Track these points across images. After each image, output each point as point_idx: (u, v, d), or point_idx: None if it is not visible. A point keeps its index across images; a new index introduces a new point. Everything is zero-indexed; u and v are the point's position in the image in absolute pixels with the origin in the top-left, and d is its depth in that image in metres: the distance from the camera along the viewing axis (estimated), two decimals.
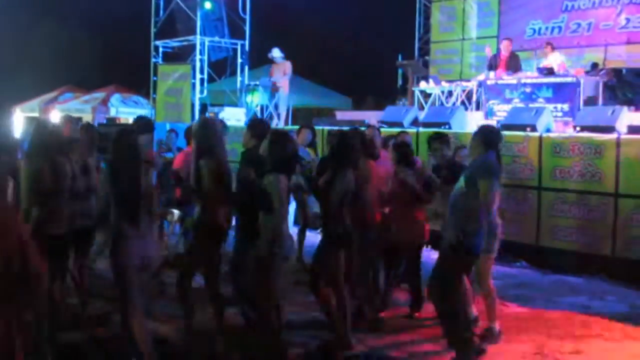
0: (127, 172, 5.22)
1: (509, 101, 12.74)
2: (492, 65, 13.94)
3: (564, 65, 12.95)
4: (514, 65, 13.71)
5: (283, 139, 5.64)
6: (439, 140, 7.37)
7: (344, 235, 5.85)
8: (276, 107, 15.53)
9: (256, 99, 15.86)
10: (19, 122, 17.87)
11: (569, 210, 9.27)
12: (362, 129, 8.40)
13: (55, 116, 21.36)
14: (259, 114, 15.73)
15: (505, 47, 14.00)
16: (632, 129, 9.29)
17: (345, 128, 8.33)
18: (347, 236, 5.88)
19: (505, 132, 10.07)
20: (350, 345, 5.92)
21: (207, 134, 5.77)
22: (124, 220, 5.17)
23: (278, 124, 15.24)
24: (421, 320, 6.98)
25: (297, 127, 10.27)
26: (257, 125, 6.57)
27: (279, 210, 5.37)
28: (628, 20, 14.71)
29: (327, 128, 12.09)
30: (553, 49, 13.60)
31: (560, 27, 15.91)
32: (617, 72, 13.56)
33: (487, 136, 5.80)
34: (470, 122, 12.08)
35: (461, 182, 5.71)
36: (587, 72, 13.01)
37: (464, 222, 5.51)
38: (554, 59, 13.11)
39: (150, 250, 5.34)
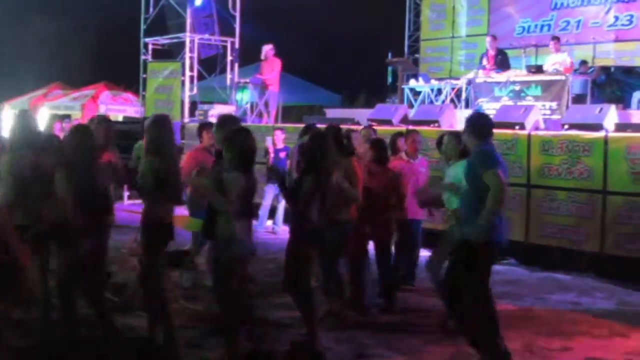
0: (81, 168, 5.49)
1: (498, 99, 12.78)
2: (482, 64, 13.97)
3: (569, 65, 12.80)
4: (500, 62, 13.69)
5: (239, 135, 5.53)
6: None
7: (312, 233, 5.81)
8: (266, 104, 15.53)
9: (246, 97, 15.87)
10: (7, 118, 17.75)
11: (558, 207, 9.32)
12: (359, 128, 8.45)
13: (44, 113, 21.33)
14: (248, 112, 15.75)
15: (489, 44, 14.00)
16: (620, 127, 9.35)
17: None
18: (315, 234, 5.83)
19: (494, 130, 10.16)
20: (320, 344, 5.88)
21: (157, 131, 5.72)
22: (78, 214, 5.40)
23: (268, 121, 15.26)
24: (417, 319, 7.01)
25: (285, 125, 10.28)
26: (227, 125, 6.19)
27: (233, 209, 5.33)
28: (616, 18, 14.78)
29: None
30: (559, 47, 13.38)
31: (549, 25, 15.97)
32: (605, 70, 13.63)
33: (476, 125, 5.63)
34: (460, 120, 12.11)
35: (463, 179, 5.69)
36: (575, 70, 13.07)
37: (474, 218, 5.29)
38: (562, 59, 12.96)
39: (104, 244, 5.71)
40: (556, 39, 13.60)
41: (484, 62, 13.99)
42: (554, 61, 12.94)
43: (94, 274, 5.62)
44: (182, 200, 5.87)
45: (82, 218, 5.41)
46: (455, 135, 6.86)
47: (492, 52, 13.84)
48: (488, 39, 14.22)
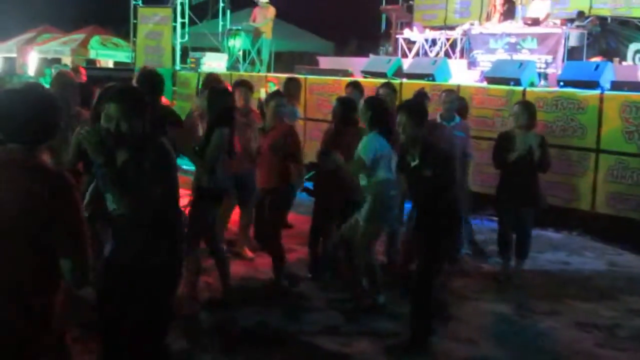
0: None
1: (493, 51, 12.63)
2: (489, 14, 13.56)
3: (547, 17, 12.63)
4: (507, 11, 13.26)
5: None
6: None
7: (214, 190, 5.92)
8: (259, 52, 15.35)
9: (238, 44, 15.63)
10: None
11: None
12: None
13: (33, 57, 21.03)
14: (241, 59, 15.57)
15: None
16: (616, 85, 9.27)
17: None
18: (218, 191, 5.95)
19: (489, 86, 10.09)
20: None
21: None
22: None
23: (261, 70, 15.10)
24: None
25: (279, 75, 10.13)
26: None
27: None
28: None
29: (309, 77, 12.00)
30: None
31: None
32: (602, 20, 13.46)
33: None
34: (454, 72, 11.99)
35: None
36: (571, 21, 12.88)
37: None
38: (541, 8, 12.77)
39: None
40: None
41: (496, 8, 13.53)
42: (536, 8, 12.67)
43: None
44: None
45: None
46: (366, 99, 6.43)
47: (500, 1, 13.34)
48: None
